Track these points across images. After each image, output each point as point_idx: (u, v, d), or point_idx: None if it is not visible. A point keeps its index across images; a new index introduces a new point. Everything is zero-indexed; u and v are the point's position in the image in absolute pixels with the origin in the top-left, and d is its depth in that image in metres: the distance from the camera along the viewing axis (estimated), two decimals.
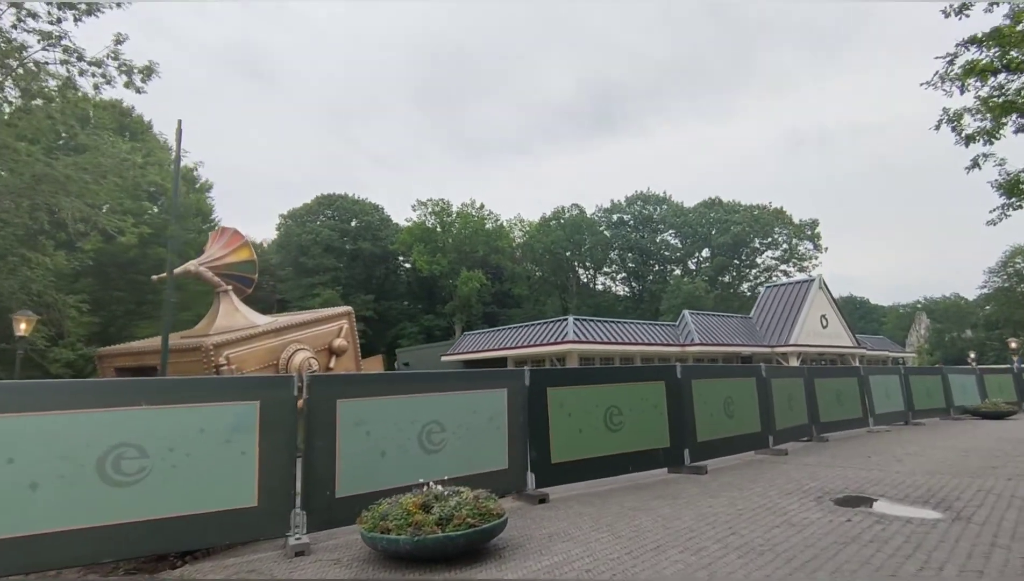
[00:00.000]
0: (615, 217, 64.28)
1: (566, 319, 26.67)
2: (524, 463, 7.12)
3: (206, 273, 12.86)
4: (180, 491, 4.96)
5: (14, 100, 13.86)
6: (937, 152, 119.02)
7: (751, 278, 62.18)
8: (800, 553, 4.64)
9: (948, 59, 12.05)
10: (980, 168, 13.23)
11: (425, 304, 57.39)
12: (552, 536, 5.40)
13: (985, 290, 57.69)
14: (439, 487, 5.12)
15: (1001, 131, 12.37)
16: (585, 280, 65.57)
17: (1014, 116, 12.17)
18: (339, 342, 14.10)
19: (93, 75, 13.64)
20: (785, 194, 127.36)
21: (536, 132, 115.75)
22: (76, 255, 19.87)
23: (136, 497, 4.79)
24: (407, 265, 58.62)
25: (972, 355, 49.01)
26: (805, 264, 60.00)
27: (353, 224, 56.10)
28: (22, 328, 14.60)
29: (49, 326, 18.10)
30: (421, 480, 5.37)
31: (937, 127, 12.91)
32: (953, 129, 12.72)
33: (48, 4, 12.83)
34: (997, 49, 11.40)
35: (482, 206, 57.13)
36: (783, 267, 60.70)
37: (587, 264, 64.20)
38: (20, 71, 13.16)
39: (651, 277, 64.41)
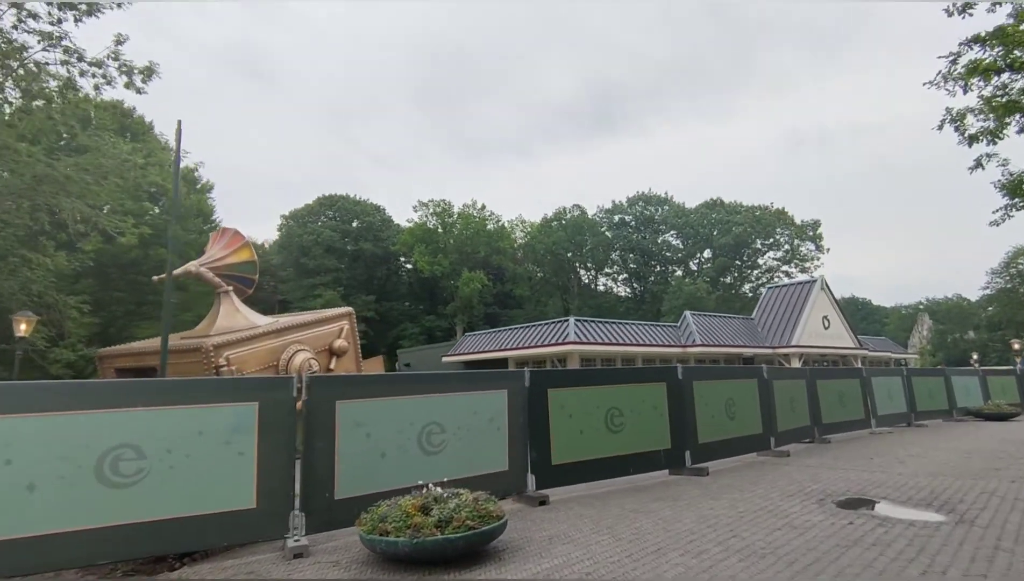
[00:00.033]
0: (616, 218, 64.21)
1: (567, 320, 26.63)
2: (524, 464, 7.09)
3: (207, 274, 12.84)
4: (178, 492, 4.94)
5: (15, 101, 13.86)
6: (938, 152, 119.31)
7: (753, 279, 62.09)
8: (802, 556, 4.60)
9: (951, 58, 12.00)
10: (983, 168, 13.19)
11: (426, 305, 57.37)
12: (552, 538, 5.37)
13: (988, 291, 57.62)
14: (438, 489, 5.10)
15: (1004, 131, 12.31)
16: (587, 281, 65.52)
17: (1017, 116, 12.12)
18: (340, 343, 14.08)
19: (93, 76, 13.64)
20: (785, 194, 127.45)
21: (536, 132, 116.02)
22: (77, 256, 19.88)
23: (134, 498, 4.77)
24: (408, 266, 58.60)
25: (975, 356, 48.94)
26: (807, 265, 59.94)
27: (354, 225, 56.09)
28: (22, 329, 14.60)
29: (50, 327, 18.10)
30: (421, 482, 5.34)
31: (940, 127, 12.86)
32: (956, 129, 12.67)
33: (48, 4, 12.84)
34: (1000, 48, 11.34)
35: (483, 207, 57.17)
36: (785, 268, 60.61)
37: (588, 265, 64.13)
38: (20, 72, 13.16)
39: (653, 278, 64.33)
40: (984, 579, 4.01)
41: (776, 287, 35.62)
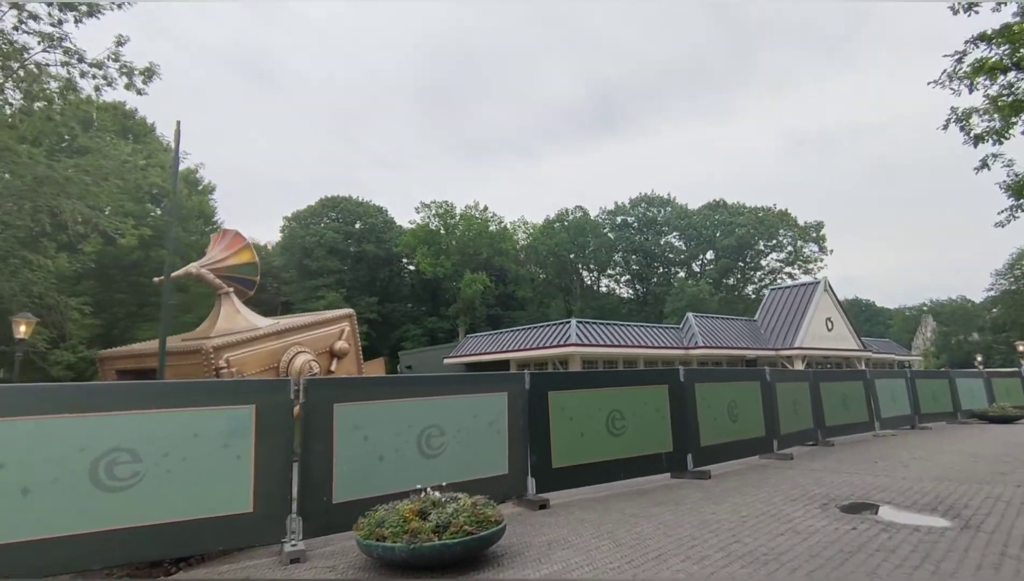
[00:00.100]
0: (619, 219, 64.16)
1: (569, 322, 26.56)
2: (524, 468, 7.03)
3: (207, 275, 12.80)
4: (174, 496, 4.89)
5: (15, 102, 13.86)
6: (938, 152, 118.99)
7: (756, 280, 61.91)
8: (805, 563, 4.53)
9: (957, 57, 11.88)
10: (989, 169, 13.08)
11: (429, 306, 57.38)
12: (552, 543, 5.30)
13: (992, 293, 57.41)
14: (436, 493, 5.03)
15: (1010, 131, 12.21)
16: (589, 282, 65.44)
17: (1023, 116, 12.01)
18: (340, 345, 14.03)
19: (94, 77, 13.63)
20: (786, 194, 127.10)
21: (536, 132, 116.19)
22: (78, 257, 19.90)
23: (130, 502, 4.73)
24: (411, 267, 58.63)
25: (979, 358, 48.69)
26: (810, 266, 59.75)
27: (357, 226, 56.15)
28: (22, 330, 14.58)
29: (51, 328, 18.10)
30: (420, 485, 5.28)
31: (945, 127, 12.75)
32: (961, 129, 12.55)
33: (49, 5, 12.84)
34: (1007, 47, 11.24)
35: (486, 208, 57.18)
36: (788, 269, 60.44)
37: (591, 266, 64.06)
38: (21, 73, 13.16)
39: (655, 279, 64.21)
40: None
41: (779, 289, 35.48)
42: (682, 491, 7.69)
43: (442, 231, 54.91)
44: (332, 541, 5.60)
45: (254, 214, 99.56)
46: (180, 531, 4.88)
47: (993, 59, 11.47)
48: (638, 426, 8.13)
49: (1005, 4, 11.05)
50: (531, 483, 7.02)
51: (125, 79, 13.88)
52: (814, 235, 60.03)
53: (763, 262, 61.61)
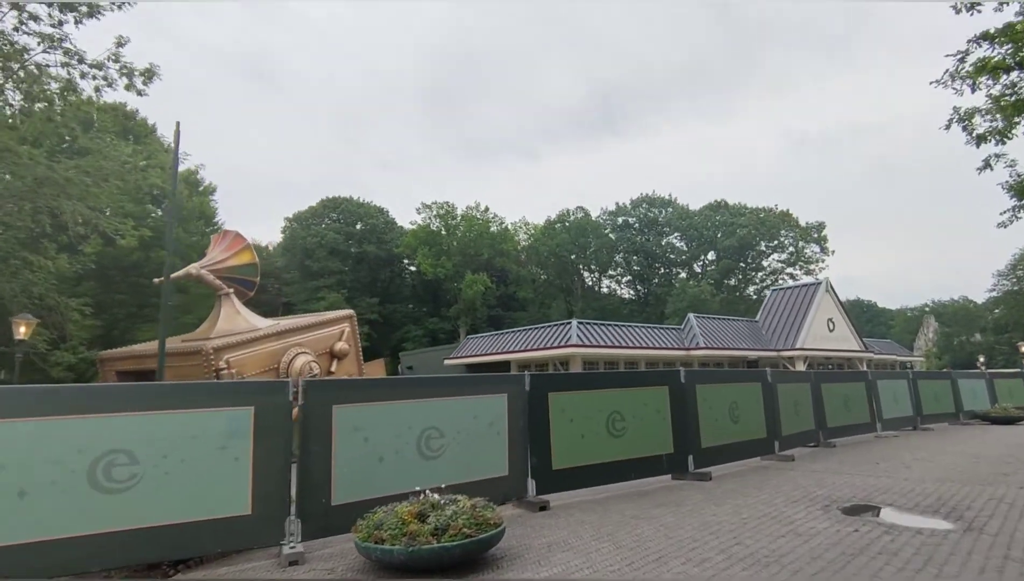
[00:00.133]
0: (620, 220, 64.10)
1: (570, 323, 26.54)
2: (524, 469, 7.00)
3: (207, 276, 12.80)
4: (172, 498, 4.87)
5: (16, 103, 13.86)
6: (939, 152, 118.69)
7: (757, 281, 61.82)
8: (807, 565, 4.50)
9: (959, 56, 11.82)
10: (992, 169, 13.02)
11: (430, 307, 57.37)
12: (552, 545, 5.27)
13: (994, 293, 57.31)
14: (436, 495, 5.01)
15: (1013, 131, 12.15)
16: (590, 283, 65.39)
17: None
18: (340, 346, 14.02)
19: (94, 78, 13.64)
20: (786, 194, 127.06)
21: (536, 132, 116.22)
22: (78, 258, 19.89)
23: (128, 504, 4.71)
24: (412, 268, 58.62)
25: (981, 359, 48.57)
26: (812, 267, 59.62)
27: (358, 227, 56.15)
28: (22, 331, 14.57)
29: (51, 329, 18.09)
30: (419, 487, 5.25)
31: (947, 127, 12.68)
32: (964, 129, 12.49)
33: (49, 6, 12.83)
34: (1010, 46, 11.18)
35: (487, 209, 57.12)
36: (789, 270, 60.34)
37: (592, 267, 64.00)
38: (21, 74, 13.16)
39: (656, 280, 64.14)
40: None
41: (780, 289, 35.43)
42: (683, 493, 7.66)
43: (443, 232, 54.88)
44: (331, 543, 5.58)
45: (255, 215, 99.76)
46: (178, 533, 4.85)
47: (996, 58, 11.41)
48: (639, 427, 8.10)
49: (1008, 3, 10.99)
50: (531, 485, 7.00)
51: (125, 80, 13.90)
52: (815, 236, 59.91)
53: (764, 263, 61.55)
